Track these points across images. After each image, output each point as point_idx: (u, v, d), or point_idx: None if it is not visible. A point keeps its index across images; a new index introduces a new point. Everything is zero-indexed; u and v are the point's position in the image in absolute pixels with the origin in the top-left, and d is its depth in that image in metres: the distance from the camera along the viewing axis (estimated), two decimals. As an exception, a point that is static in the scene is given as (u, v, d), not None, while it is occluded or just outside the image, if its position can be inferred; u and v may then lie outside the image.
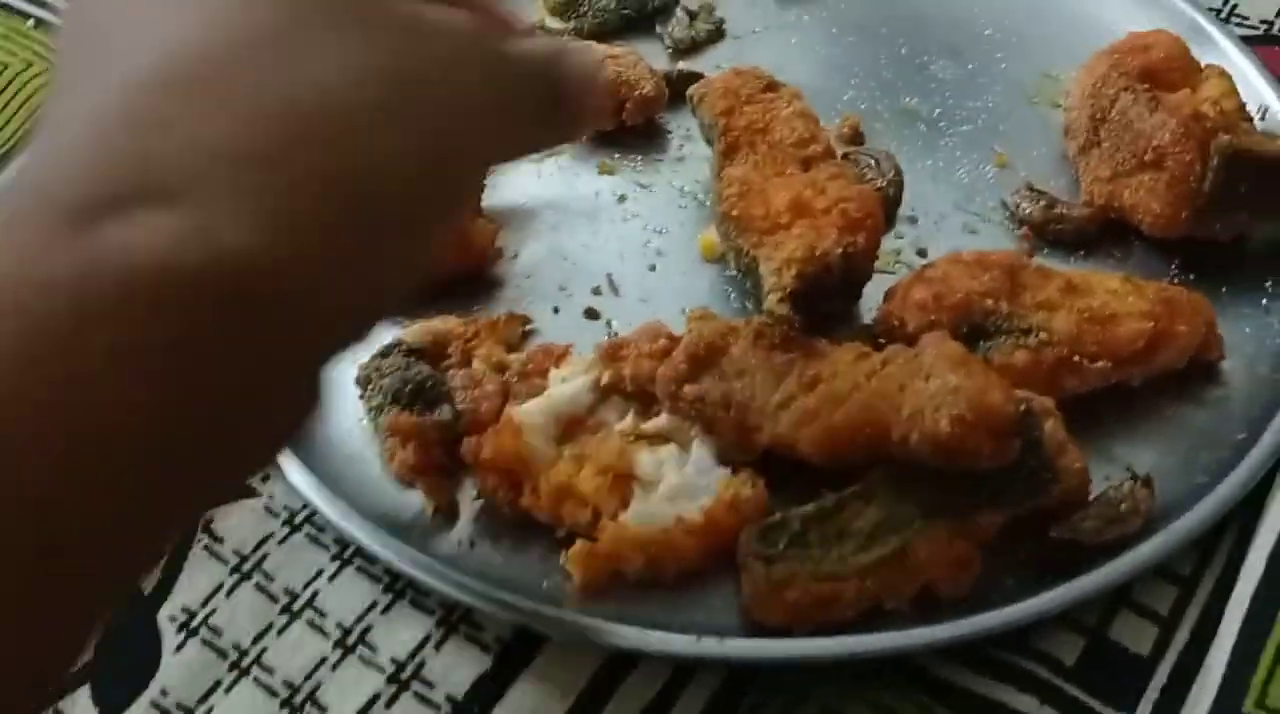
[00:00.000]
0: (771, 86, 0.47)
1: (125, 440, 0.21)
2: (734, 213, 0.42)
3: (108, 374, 0.21)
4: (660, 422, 0.41)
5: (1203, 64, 0.48)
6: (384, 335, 0.44)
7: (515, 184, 0.50)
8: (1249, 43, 0.52)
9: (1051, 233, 0.46)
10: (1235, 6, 0.55)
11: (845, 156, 0.49)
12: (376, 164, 0.24)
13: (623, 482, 0.39)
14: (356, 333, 0.26)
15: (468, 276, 0.47)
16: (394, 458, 0.41)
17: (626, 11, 0.56)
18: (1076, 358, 0.39)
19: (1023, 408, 0.37)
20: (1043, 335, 0.39)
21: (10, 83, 0.57)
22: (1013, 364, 0.39)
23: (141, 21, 0.24)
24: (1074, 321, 0.39)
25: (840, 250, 0.39)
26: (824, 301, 0.40)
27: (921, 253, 0.47)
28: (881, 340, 0.41)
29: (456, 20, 0.27)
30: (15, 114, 0.56)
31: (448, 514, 0.40)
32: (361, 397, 0.43)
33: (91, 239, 0.21)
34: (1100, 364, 0.39)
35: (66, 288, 0.21)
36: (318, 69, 0.24)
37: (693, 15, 0.56)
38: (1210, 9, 0.55)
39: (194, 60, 0.23)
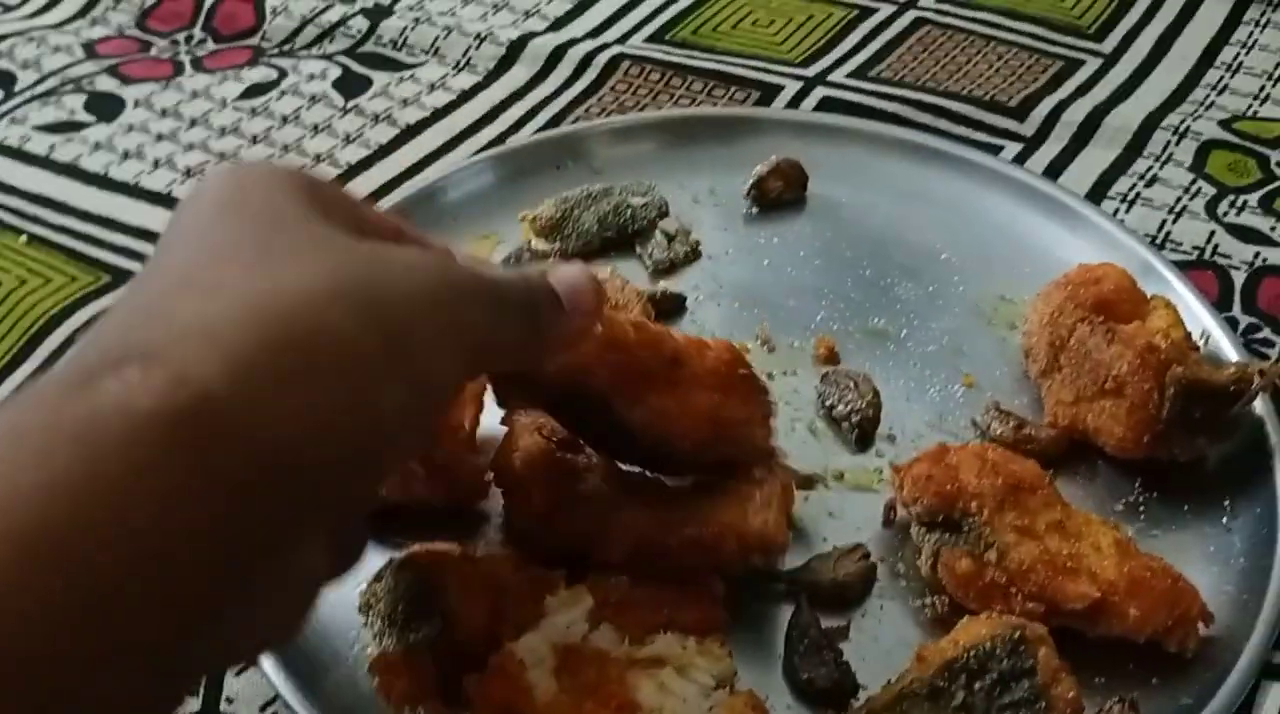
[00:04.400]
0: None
1: (139, 572, 0.25)
2: None
3: (119, 508, 0.25)
4: (654, 647, 0.41)
5: (1148, 293, 0.52)
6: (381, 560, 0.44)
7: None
8: (1184, 268, 0.57)
9: (1021, 452, 0.49)
10: (1169, 234, 0.60)
11: (824, 377, 0.52)
12: (323, 328, 0.28)
13: (626, 712, 0.40)
14: (346, 491, 0.30)
15: (459, 507, 0.47)
16: (392, 690, 0.41)
17: (608, 234, 0.59)
18: (1014, 589, 0.41)
19: (1015, 636, 0.39)
20: (993, 555, 0.42)
21: (4, 299, 0.58)
22: (953, 569, 0.42)
23: (171, 251, 0.31)
24: (1032, 558, 0.42)
25: None
26: None
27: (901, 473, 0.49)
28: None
29: (416, 249, 0.33)
30: (10, 330, 0.57)
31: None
32: (365, 624, 0.43)
33: (93, 393, 0.26)
34: (1032, 605, 0.41)
35: (74, 434, 0.25)
36: (279, 270, 0.29)
37: (670, 237, 0.60)
38: (1147, 235, 0.60)
39: (191, 269, 0.30)
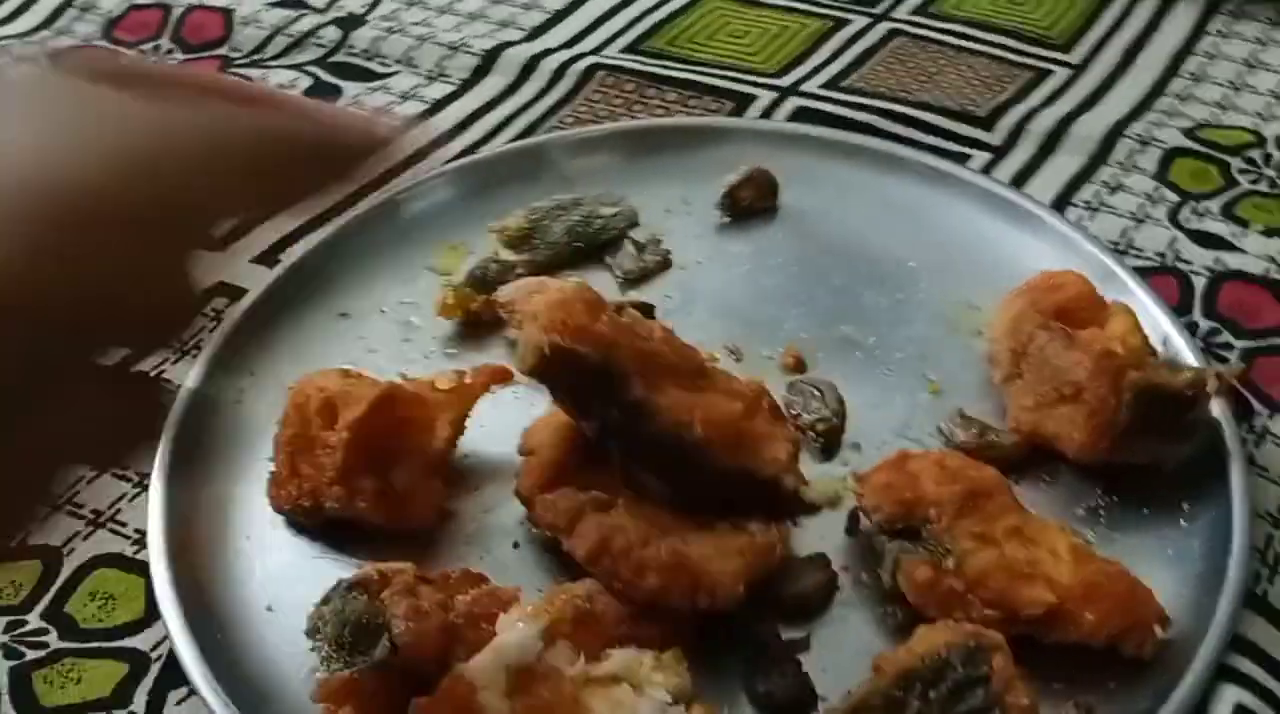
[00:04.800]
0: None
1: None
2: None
3: None
4: (611, 664, 0.41)
5: (1108, 299, 0.53)
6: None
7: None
8: (1145, 274, 0.57)
9: (984, 458, 0.49)
10: (1132, 240, 0.61)
11: (790, 386, 0.53)
12: (91, 194, 0.29)
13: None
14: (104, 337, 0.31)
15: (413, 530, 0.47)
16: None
17: (578, 244, 0.60)
18: (972, 596, 0.42)
19: (971, 644, 0.39)
20: (951, 562, 0.42)
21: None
22: (913, 577, 0.42)
23: None
24: (990, 565, 0.42)
25: None
26: None
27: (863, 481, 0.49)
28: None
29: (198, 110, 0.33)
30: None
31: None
32: (313, 648, 0.42)
33: None
34: (990, 612, 0.41)
35: None
36: (57, 144, 0.30)
37: (640, 247, 0.60)
38: (1110, 242, 0.60)
39: None
